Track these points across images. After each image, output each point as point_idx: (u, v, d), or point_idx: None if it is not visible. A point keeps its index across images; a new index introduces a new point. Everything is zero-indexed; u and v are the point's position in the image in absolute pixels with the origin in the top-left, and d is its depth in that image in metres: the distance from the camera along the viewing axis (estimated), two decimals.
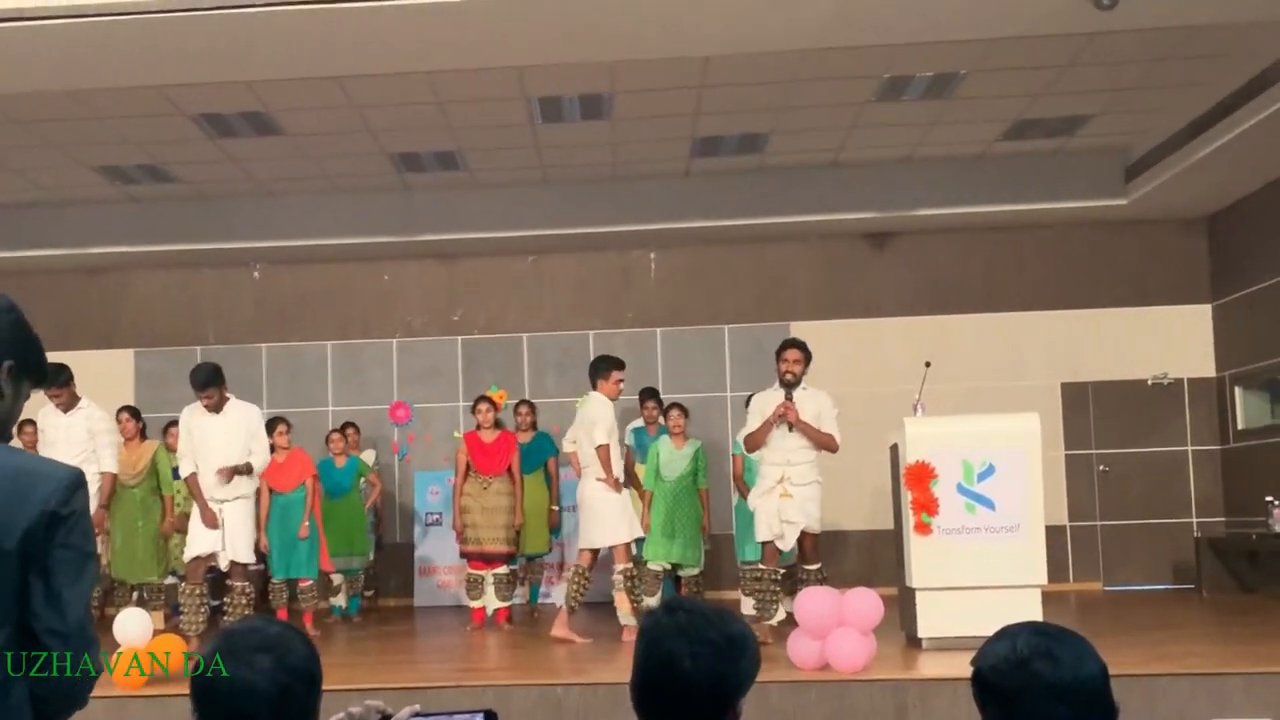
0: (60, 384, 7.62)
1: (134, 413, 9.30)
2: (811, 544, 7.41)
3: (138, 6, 5.61)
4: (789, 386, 7.22)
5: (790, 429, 7.18)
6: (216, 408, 7.45)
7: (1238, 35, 7.33)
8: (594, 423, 7.59)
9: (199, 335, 11.36)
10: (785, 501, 7.25)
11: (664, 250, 11.30)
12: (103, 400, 10.88)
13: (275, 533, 8.86)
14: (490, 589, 8.84)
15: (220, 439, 7.41)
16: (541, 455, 9.54)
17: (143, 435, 9.36)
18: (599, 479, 7.60)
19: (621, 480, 7.82)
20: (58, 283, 11.40)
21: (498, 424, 9.07)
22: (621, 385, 7.79)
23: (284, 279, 11.45)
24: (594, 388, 7.78)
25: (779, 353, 7.34)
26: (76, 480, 2.07)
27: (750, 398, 7.98)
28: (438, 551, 10.68)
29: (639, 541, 8.87)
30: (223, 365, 7.80)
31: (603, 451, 7.56)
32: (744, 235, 10.96)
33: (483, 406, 8.97)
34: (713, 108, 8.72)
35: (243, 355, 11.33)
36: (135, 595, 9.29)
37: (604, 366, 7.79)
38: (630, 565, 7.74)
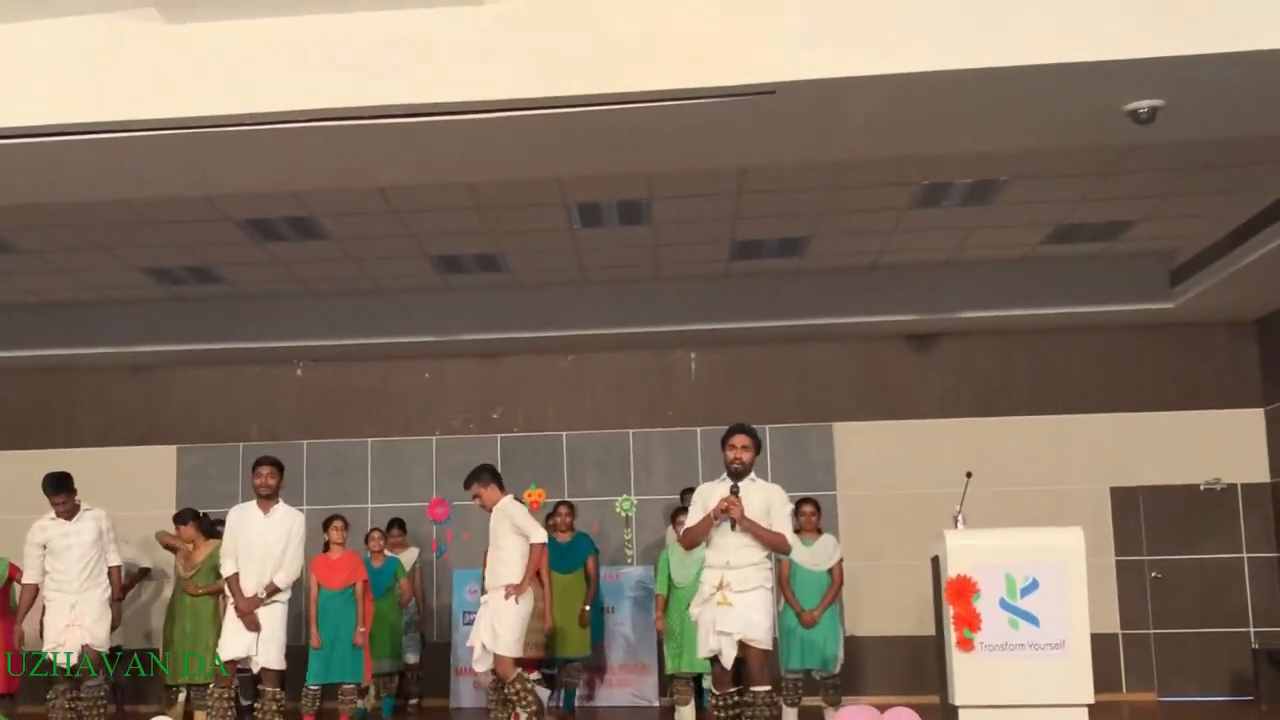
0: (69, 490, 7.91)
1: (192, 514, 9.50)
2: (760, 661, 6.41)
3: (185, 122, 5.73)
4: (736, 477, 6.50)
5: (734, 527, 6.41)
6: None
7: None
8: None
9: (242, 432, 11.44)
10: (722, 610, 6.39)
11: (704, 350, 11.28)
12: (145, 495, 11.08)
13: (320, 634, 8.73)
14: None
15: (260, 542, 7.52)
16: (581, 556, 9.46)
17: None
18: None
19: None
20: (103, 380, 11.61)
21: None
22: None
23: (326, 377, 11.55)
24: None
25: (725, 439, 6.59)
26: None
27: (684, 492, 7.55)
28: None
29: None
30: None
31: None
32: (784, 336, 10.92)
33: None
34: (751, 212, 8.75)
35: (285, 451, 11.26)
36: (183, 696, 9.28)
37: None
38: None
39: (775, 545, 6.51)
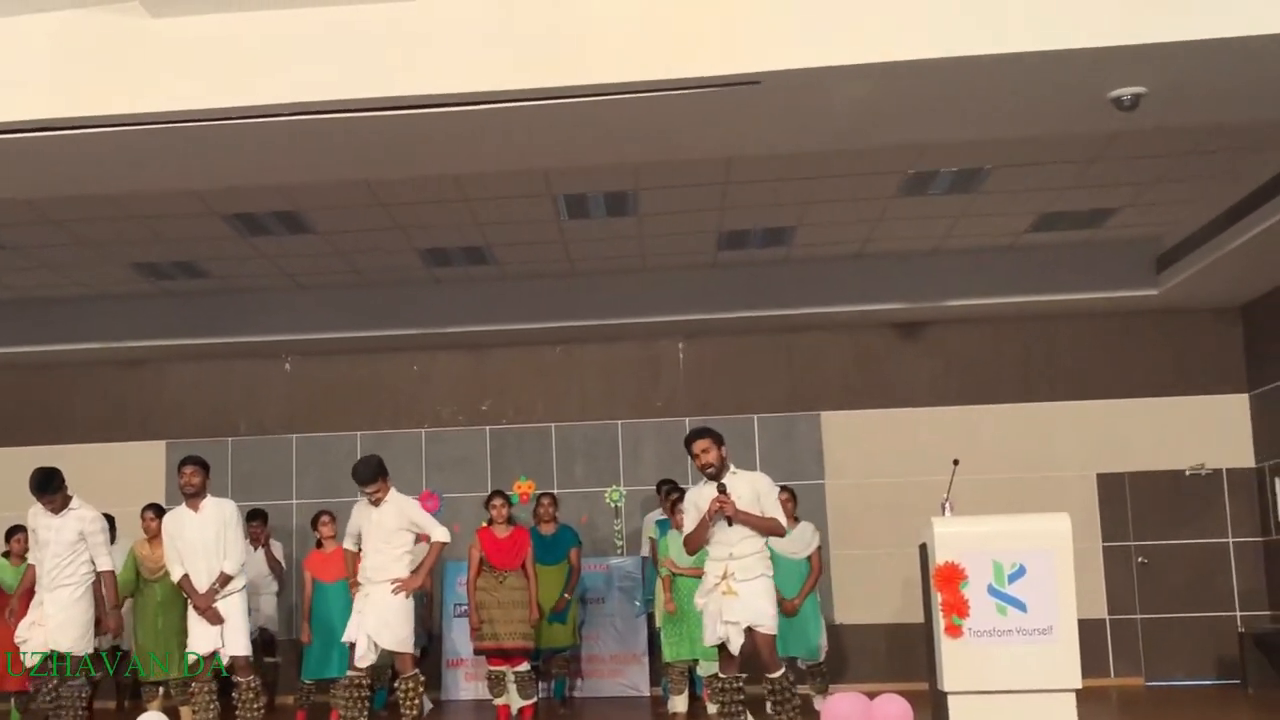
0: (53, 491, 7.54)
1: (157, 510, 9.31)
2: (769, 646, 6.63)
3: (170, 116, 5.73)
4: (715, 477, 6.66)
5: (730, 523, 6.60)
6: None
7: (1266, 128, 7.29)
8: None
9: (230, 427, 11.43)
10: (728, 599, 6.59)
11: (692, 340, 11.30)
12: (135, 491, 11.04)
13: (315, 628, 8.80)
14: (512, 687, 8.72)
15: (198, 540, 7.54)
16: (564, 548, 9.45)
17: None
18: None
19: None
20: (93, 376, 11.58)
21: (511, 520, 9.03)
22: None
23: (314, 370, 11.53)
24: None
25: (687, 449, 6.79)
26: None
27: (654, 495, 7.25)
28: (465, 644, 10.56)
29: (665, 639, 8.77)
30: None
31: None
32: (772, 325, 10.94)
33: (497, 502, 8.92)
34: (738, 202, 8.77)
35: (273, 446, 11.38)
36: (161, 690, 9.26)
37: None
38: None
39: (771, 530, 6.70)
